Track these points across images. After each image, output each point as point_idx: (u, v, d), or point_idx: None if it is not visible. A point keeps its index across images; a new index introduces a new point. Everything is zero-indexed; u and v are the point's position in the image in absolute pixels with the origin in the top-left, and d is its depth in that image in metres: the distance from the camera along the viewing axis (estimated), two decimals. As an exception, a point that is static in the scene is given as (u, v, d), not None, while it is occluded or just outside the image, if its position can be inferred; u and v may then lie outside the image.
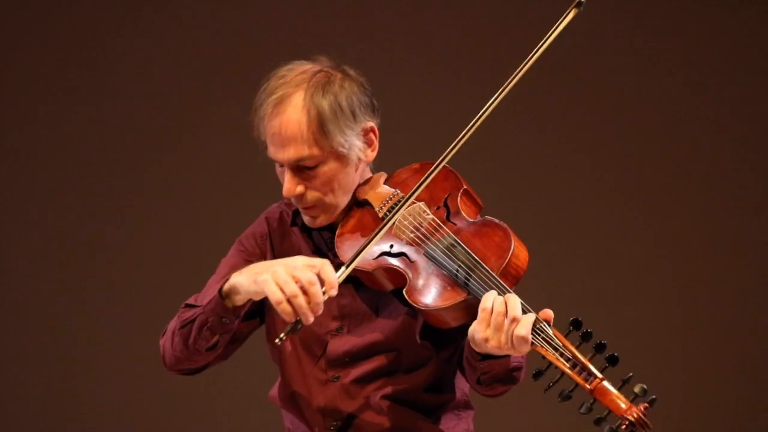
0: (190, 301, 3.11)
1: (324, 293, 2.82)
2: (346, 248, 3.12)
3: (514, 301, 2.87)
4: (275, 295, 2.82)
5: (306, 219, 3.17)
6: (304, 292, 2.81)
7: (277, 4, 5.38)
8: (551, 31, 2.97)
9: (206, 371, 3.16)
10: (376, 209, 3.16)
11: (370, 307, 3.13)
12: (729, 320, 5.39)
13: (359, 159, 3.15)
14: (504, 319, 2.84)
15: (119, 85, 5.36)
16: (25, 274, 5.25)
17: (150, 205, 5.35)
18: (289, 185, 3.08)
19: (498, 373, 2.97)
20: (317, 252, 3.20)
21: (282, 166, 3.11)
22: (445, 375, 3.14)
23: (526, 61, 2.98)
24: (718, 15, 5.38)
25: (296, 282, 2.82)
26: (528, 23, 5.18)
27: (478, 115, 2.97)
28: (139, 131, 5.36)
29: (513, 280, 2.99)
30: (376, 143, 3.19)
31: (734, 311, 5.40)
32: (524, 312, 2.87)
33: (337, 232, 3.17)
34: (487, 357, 2.94)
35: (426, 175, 3.00)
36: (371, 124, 3.14)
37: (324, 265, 2.85)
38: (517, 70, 2.98)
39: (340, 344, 3.13)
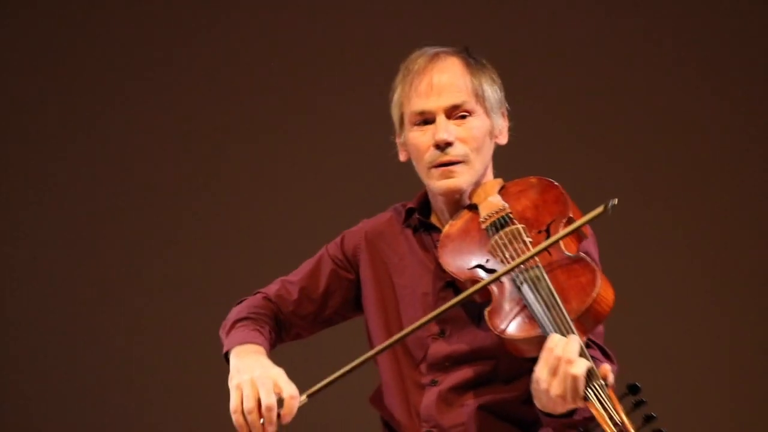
0: (249, 306, 3.24)
1: (279, 417, 2.89)
2: (447, 252, 3.09)
3: (573, 344, 2.75)
4: (233, 403, 2.93)
5: (442, 183, 3.12)
6: (261, 412, 2.89)
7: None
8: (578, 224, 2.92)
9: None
10: (481, 219, 3.08)
11: (472, 312, 3.08)
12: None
13: (494, 136, 3.18)
14: (560, 362, 2.73)
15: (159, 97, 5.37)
16: (33, 279, 5.39)
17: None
18: (444, 129, 3.10)
19: (564, 423, 2.86)
20: (424, 250, 3.19)
21: (426, 123, 3.13)
22: (544, 389, 3.04)
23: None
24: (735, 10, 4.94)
25: (257, 400, 2.90)
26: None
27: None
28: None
29: (592, 324, 2.85)
30: (507, 137, 3.21)
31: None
32: (582, 356, 2.74)
33: (444, 231, 3.13)
34: (550, 415, 2.83)
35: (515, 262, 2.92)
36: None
37: (291, 398, 2.90)
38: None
39: (441, 348, 3.11)
